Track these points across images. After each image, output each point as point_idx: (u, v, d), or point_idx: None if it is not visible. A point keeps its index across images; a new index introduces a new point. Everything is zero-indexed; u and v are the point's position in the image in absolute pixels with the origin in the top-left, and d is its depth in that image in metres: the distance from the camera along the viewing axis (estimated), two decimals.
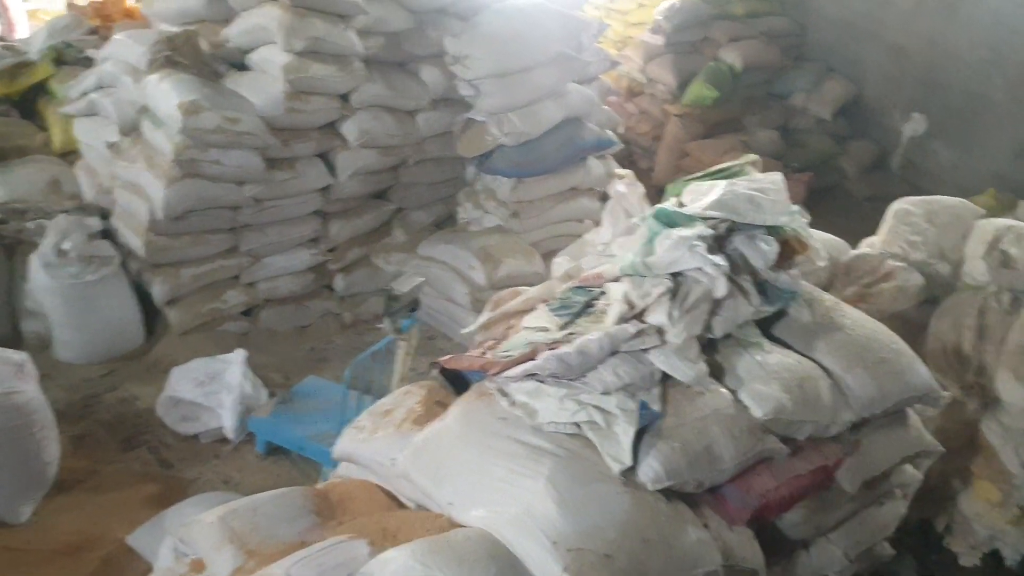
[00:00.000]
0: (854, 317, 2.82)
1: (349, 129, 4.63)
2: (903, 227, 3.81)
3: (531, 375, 2.40)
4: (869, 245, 3.88)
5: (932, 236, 3.75)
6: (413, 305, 3.43)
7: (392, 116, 4.75)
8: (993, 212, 4.31)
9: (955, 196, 4.03)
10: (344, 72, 4.47)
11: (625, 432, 2.29)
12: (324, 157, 4.70)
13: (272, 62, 4.38)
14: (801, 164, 6.95)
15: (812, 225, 2.88)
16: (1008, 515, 3.41)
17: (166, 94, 4.21)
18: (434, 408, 2.59)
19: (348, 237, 4.95)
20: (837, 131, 7.43)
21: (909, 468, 2.92)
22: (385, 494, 2.52)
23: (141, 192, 4.42)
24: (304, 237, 4.81)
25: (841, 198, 7.02)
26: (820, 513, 2.64)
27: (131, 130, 4.57)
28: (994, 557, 3.43)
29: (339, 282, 5.00)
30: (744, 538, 2.40)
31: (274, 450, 3.98)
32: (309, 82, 4.39)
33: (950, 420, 3.33)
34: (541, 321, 2.61)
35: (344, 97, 4.61)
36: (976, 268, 3.65)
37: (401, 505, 2.49)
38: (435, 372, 2.70)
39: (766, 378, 2.48)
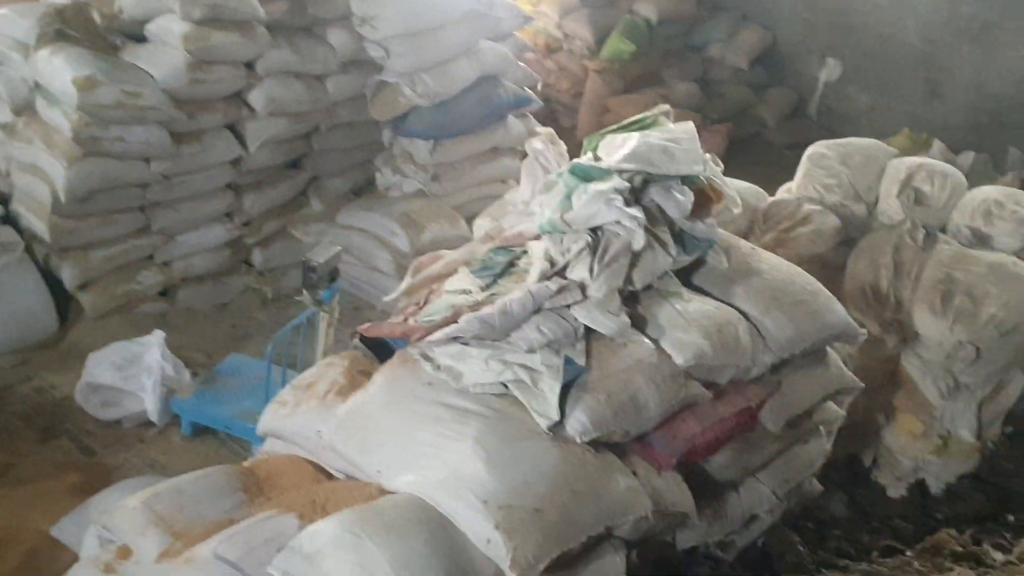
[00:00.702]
0: (770, 262, 2.87)
1: (256, 98, 4.51)
2: (818, 171, 3.86)
3: (454, 338, 2.40)
4: (786, 191, 3.93)
5: (847, 178, 3.81)
6: (332, 275, 3.38)
7: (300, 82, 4.64)
8: (908, 152, 4.40)
9: (872, 139, 4.09)
10: (247, 39, 4.34)
11: (551, 388, 2.32)
12: (232, 128, 4.57)
13: (171, 32, 4.22)
14: (721, 115, 7.00)
15: (734, 175, 2.90)
16: (931, 445, 3.51)
17: (59, 70, 4.04)
18: (358, 378, 2.58)
19: (263, 209, 4.84)
20: (755, 80, 7.49)
21: (831, 405, 2.99)
22: (313, 467, 2.51)
23: (41, 174, 4.25)
24: (218, 212, 4.69)
25: (761, 147, 7.09)
26: (746, 454, 2.69)
27: (24, 109, 4.37)
28: (920, 487, 3.53)
29: (257, 256, 4.91)
30: (673, 483, 2.44)
31: (201, 431, 3.91)
32: (211, 51, 4.25)
33: (871, 357, 3.41)
34: (463, 284, 2.61)
35: (249, 65, 4.48)
36: (890, 207, 3.72)
37: (330, 477, 2.48)
38: (356, 341, 2.67)
39: (686, 326, 2.51)
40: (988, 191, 3.77)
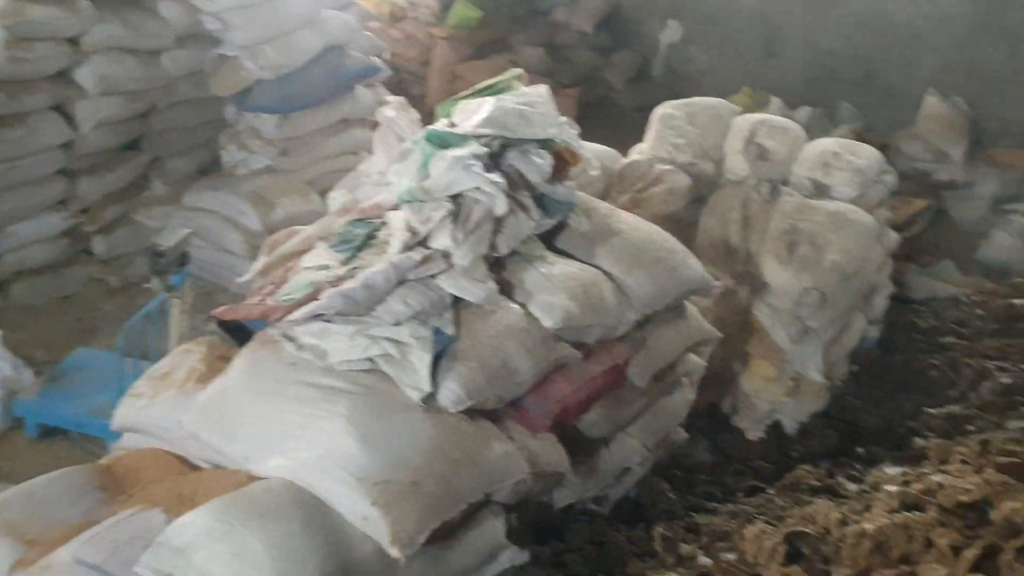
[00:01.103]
0: (629, 222, 2.92)
1: (85, 76, 4.26)
2: (667, 131, 3.94)
3: (317, 315, 2.34)
4: (639, 152, 4.00)
5: (695, 137, 3.91)
6: (182, 259, 3.25)
7: (133, 58, 4.41)
8: (749, 109, 4.56)
9: (716, 98, 4.21)
10: (69, 13, 4.08)
11: (421, 360, 2.29)
12: (60, 109, 4.31)
13: None
14: (569, 79, 7.07)
15: (585, 138, 2.92)
16: (784, 388, 3.66)
17: None
18: (217, 364, 2.50)
19: (101, 195, 4.60)
20: (600, 44, 7.59)
21: (693, 357, 3.08)
22: (177, 459, 2.42)
23: None
24: (51, 200, 4.41)
25: (610, 110, 7.20)
26: (616, 410, 2.75)
27: None
28: (776, 428, 3.68)
29: (99, 244, 4.66)
30: (548, 444, 2.47)
31: (49, 432, 3.70)
32: (29, 27, 3.98)
33: (725, 308, 3.52)
34: (321, 259, 2.54)
35: (74, 41, 4.22)
36: (736, 163, 3.84)
37: (195, 468, 2.39)
38: (213, 326, 2.57)
39: (553, 289, 2.53)
40: (825, 143, 3.94)
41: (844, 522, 2.29)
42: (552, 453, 2.45)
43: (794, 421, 3.67)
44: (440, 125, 2.72)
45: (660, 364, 2.84)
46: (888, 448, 3.30)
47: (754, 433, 3.67)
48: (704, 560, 2.41)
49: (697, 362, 3.12)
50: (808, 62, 6.50)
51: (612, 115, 7.02)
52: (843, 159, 3.81)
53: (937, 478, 2.30)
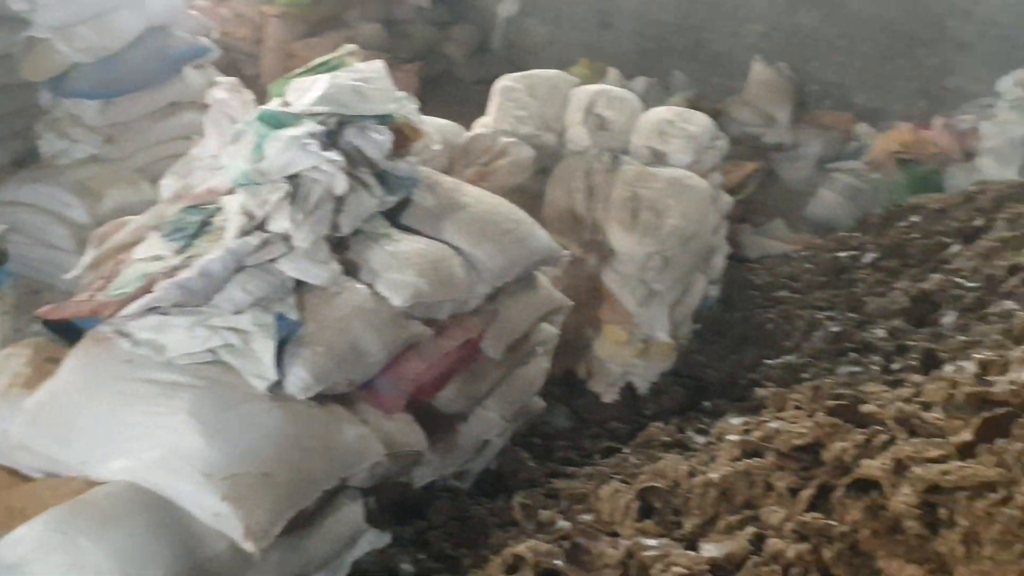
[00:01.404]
0: (475, 195, 2.91)
1: None
2: (509, 103, 3.96)
3: (152, 309, 2.24)
4: (482, 125, 3.99)
5: (536, 109, 3.93)
6: (0, 258, 3.03)
7: None
8: (588, 80, 4.61)
9: (555, 69, 4.25)
10: None
11: (265, 348, 2.23)
12: None
13: None
14: (409, 54, 6.99)
15: (427, 113, 2.88)
16: (634, 350, 3.76)
17: None
18: (44, 366, 2.35)
19: None
20: (438, 18, 7.54)
21: (546, 326, 3.12)
22: (4, 472, 2.27)
23: None
24: None
25: (452, 84, 7.17)
26: (472, 384, 2.75)
27: None
28: (629, 389, 3.78)
29: None
30: (404, 424, 2.45)
31: None
32: None
33: (575, 276, 3.58)
34: (154, 249, 2.43)
35: None
36: (577, 134, 3.89)
37: (27, 479, 2.24)
38: (39, 326, 2.42)
39: (400, 266, 2.50)
40: (660, 112, 4.04)
41: (692, 474, 2.37)
42: (408, 433, 2.43)
43: (645, 381, 3.78)
44: (273, 105, 2.63)
45: (514, 335, 2.85)
46: (732, 400, 3.43)
47: (609, 396, 3.76)
48: (563, 524, 2.44)
49: (550, 331, 3.16)
50: (641, 33, 6.65)
51: (453, 89, 6.99)
52: (677, 127, 3.91)
53: (774, 425, 2.40)
